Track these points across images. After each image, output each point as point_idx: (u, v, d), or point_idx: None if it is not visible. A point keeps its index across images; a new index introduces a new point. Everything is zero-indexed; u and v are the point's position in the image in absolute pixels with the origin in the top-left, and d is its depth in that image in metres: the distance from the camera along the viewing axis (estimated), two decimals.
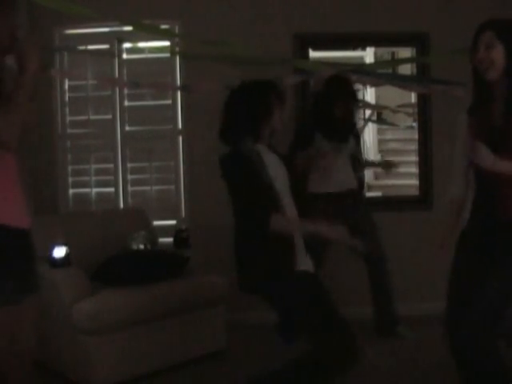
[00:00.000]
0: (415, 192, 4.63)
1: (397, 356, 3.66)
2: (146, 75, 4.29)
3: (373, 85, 5.18)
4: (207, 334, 3.61)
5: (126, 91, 4.43)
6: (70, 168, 4.50)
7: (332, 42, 4.49)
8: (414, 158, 4.64)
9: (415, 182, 4.66)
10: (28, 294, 2.04)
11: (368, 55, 5.34)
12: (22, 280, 2.01)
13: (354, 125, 4.15)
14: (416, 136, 4.61)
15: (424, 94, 4.37)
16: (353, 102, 3.96)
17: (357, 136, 4.18)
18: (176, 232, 4.03)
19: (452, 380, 3.23)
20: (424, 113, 4.50)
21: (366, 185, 4.17)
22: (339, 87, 3.85)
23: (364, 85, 5.64)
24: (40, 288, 2.11)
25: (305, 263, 2.57)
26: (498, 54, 2.26)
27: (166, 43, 4.46)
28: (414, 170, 4.67)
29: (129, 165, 4.49)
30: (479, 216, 2.38)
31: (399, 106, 5.86)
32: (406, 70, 5.01)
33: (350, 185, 3.98)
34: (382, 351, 3.71)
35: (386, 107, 6.31)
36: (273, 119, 2.64)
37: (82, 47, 4.45)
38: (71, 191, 4.50)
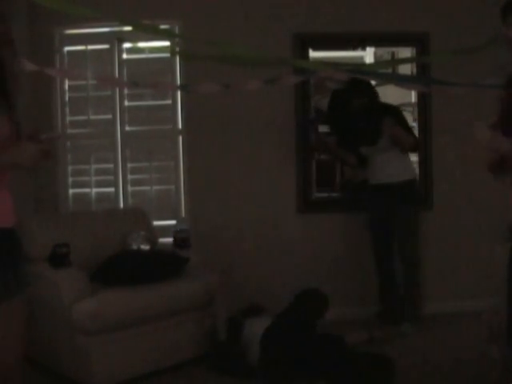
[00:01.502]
0: None
1: (400, 356, 3.67)
2: (146, 75, 4.29)
3: None
4: (207, 334, 3.60)
5: (126, 91, 4.43)
6: (70, 168, 4.50)
7: (332, 42, 4.48)
8: (414, 158, 4.64)
9: None
10: (16, 292, 2.03)
11: (368, 55, 5.32)
12: (9, 279, 2.00)
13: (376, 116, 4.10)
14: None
15: (424, 94, 4.37)
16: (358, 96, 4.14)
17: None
18: (175, 232, 4.03)
19: (451, 380, 3.25)
20: (424, 113, 4.49)
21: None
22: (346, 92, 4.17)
23: None
24: (28, 286, 2.09)
25: None
26: None
27: (166, 43, 4.46)
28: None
29: (129, 165, 4.50)
30: None
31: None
32: (406, 69, 5.00)
33: (391, 177, 4.10)
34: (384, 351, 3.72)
35: None
36: None
37: (81, 47, 4.45)
38: (71, 191, 4.49)
